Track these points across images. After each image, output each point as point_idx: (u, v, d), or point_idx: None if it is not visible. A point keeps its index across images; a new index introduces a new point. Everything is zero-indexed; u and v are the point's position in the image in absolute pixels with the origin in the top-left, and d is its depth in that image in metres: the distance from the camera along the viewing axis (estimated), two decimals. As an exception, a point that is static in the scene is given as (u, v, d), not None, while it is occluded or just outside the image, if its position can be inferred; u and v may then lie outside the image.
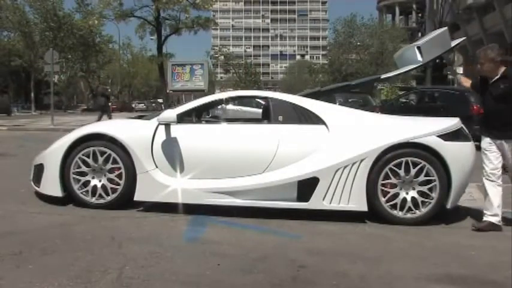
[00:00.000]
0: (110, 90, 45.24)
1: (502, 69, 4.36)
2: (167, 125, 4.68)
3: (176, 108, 4.95)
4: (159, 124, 4.70)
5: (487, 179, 4.34)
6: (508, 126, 4.25)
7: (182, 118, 4.81)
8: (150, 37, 27.29)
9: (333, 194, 4.40)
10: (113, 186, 4.68)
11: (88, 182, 4.72)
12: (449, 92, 13.54)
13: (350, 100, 11.77)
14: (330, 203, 4.42)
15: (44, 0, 36.26)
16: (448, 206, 4.45)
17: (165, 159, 4.63)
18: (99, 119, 15.44)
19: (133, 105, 50.70)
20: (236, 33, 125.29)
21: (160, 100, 42.45)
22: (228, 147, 4.64)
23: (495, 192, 4.31)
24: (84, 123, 7.23)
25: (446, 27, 5.72)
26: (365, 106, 11.12)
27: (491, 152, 4.34)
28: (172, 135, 4.67)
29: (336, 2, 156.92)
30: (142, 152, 4.59)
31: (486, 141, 4.39)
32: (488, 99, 4.44)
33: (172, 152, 4.63)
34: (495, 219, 4.28)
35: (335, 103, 10.46)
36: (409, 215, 4.41)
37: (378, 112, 10.12)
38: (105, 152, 4.66)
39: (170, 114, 4.70)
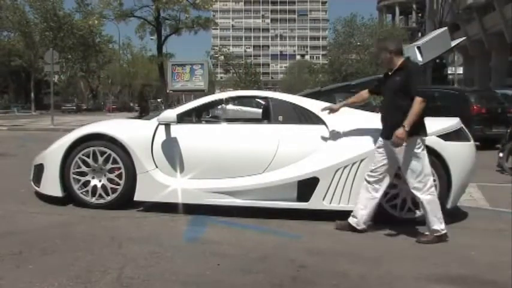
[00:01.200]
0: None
1: (401, 60, 4.03)
2: (167, 125, 4.68)
3: (176, 108, 4.95)
4: (159, 124, 4.70)
5: (364, 179, 4.14)
6: (398, 125, 3.84)
7: (182, 118, 4.81)
8: (150, 37, 27.28)
9: (333, 194, 4.40)
10: (113, 186, 4.68)
11: (88, 182, 4.72)
12: (449, 92, 13.53)
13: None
14: (330, 203, 4.42)
15: (44, 0, 36.26)
16: (448, 206, 4.44)
17: (165, 159, 4.63)
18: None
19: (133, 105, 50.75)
20: (236, 33, 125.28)
21: (159, 100, 42.48)
22: (227, 147, 4.63)
23: (363, 196, 4.11)
24: (84, 123, 7.23)
25: (446, 27, 5.72)
26: (365, 106, 11.10)
27: (379, 152, 4.09)
28: (172, 135, 4.67)
29: (336, 2, 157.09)
30: (142, 152, 4.59)
31: (379, 141, 4.15)
32: (385, 93, 4.16)
33: (172, 152, 4.63)
34: (352, 221, 4.13)
35: (335, 103, 10.45)
36: (409, 215, 4.41)
37: (378, 112, 10.11)
38: (105, 152, 4.66)
39: (170, 114, 4.70)
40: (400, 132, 3.79)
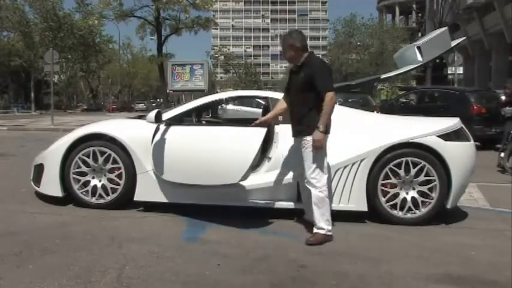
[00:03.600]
0: None
1: (305, 55, 3.93)
2: (167, 125, 4.67)
3: (174, 109, 4.97)
4: (159, 124, 4.70)
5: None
6: (303, 121, 3.83)
7: (182, 119, 4.82)
8: (150, 37, 27.29)
9: (333, 194, 4.40)
10: (113, 186, 4.68)
11: (88, 182, 4.72)
12: (449, 92, 13.55)
13: (350, 100, 11.72)
14: (330, 203, 4.41)
15: (44, 0, 36.26)
16: (448, 206, 4.44)
17: (160, 159, 4.60)
18: None
19: (133, 105, 50.76)
20: (236, 33, 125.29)
21: (159, 100, 42.49)
22: (207, 150, 4.33)
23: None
24: (84, 123, 7.24)
25: (446, 27, 5.72)
26: (365, 106, 11.10)
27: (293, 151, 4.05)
28: (172, 135, 4.56)
29: (336, 2, 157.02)
30: (142, 152, 4.58)
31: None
32: (291, 91, 4.03)
33: (163, 153, 4.58)
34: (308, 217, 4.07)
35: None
36: (409, 215, 4.41)
37: (377, 112, 10.12)
38: (105, 152, 4.66)
39: (151, 115, 4.64)
40: (316, 136, 3.74)
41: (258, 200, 4.52)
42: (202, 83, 19.93)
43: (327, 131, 3.82)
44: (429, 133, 4.45)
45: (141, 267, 3.16)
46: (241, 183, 4.39)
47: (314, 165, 3.85)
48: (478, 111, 11.53)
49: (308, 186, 3.93)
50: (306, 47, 3.97)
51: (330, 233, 3.87)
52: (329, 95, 3.73)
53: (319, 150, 3.83)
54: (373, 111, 9.48)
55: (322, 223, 3.86)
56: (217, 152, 4.25)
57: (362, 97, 12.80)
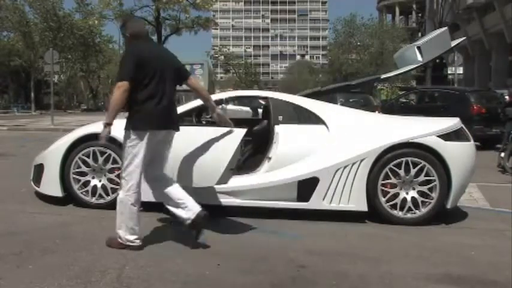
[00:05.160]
0: None
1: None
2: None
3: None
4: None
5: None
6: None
7: (181, 119, 4.82)
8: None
9: (333, 194, 4.40)
10: (113, 186, 4.68)
11: (88, 182, 4.72)
12: (449, 92, 13.56)
13: (351, 100, 11.72)
14: (330, 203, 4.42)
15: (43, 0, 36.26)
16: (448, 206, 4.44)
17: None
18: None
19: None
20: (236, 33, 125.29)
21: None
22: (189, 150, 4.11)
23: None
24: (84, 123, 7.22)
25: (446, 27, 5.73)
26: (366, 106, 11.10)
27: None
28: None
29: (336, 2, 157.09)
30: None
31: None
32: None
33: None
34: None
35: (336, 103, 10.43)
36: (409, 215, 4.41)
37: (379, 112, 10.11)
38: (105, 152, 4.66)
39: None
40: (103, 129, 3.46)
41: (258, 200, 4.52)
42: (202, 82, 19.92)
43: (133, 128, 3.49)
44: (429, 133, 4.46)
45: (141, 267, 3.16)
46: (242, 182, 4.40)
47: (125, 164, 3.53)
48: (478, 111, 11.54)
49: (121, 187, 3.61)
50: (136, 35, 3.65)
51: (132, 243, 3.48)
52: (117, 85, 3.41)
53: (127, 148, 3.49)
54: (374, 111, 9.48)
55: (121, 230, 3.50)
56: (192, 153, 4.03)
57: (363, 97, 12.79)
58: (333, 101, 10.27)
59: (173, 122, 3.72)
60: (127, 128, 3.52)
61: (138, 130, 3.48)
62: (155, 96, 3.51)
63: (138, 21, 3.97)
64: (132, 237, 3.51)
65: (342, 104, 10.23)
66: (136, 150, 3.49)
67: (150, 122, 3.50)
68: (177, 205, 3.70)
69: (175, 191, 3.72)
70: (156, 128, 3.54)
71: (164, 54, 3.77)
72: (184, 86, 4.04)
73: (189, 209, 3.66)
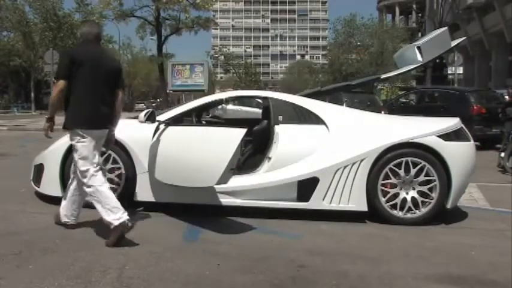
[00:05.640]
0: None
1: None
2: (166, 125, 4.67)
3: (173, 109, 4.98)
4: (159, 124, 4.70)
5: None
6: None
7: (181, 119, 4.83)
8: (150, 37, 27.33)
9: (333, 194, 4.40)
10: (113, 186, 4.67)
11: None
12: (449, 92, 13.56)
13: (356, 100, 11.65)
14: (330, 203, 4.42)
15: (43, 0, 36.25)
16: (448, 206, 4.45)
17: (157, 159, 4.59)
18: None
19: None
20: (236, 33, 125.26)
21: (159, 100, 42.40)
22: (188, 150, 4.18)
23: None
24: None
25: (446, 27, 5.73)
26: (372, 106, 11.05)
27: None
28: (161, 136, 4.41)
29: (336, 2, 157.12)
30: (142, 152, 4.58)
31: None
32: None
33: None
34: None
35: (342, 103, 10.39)
36: (409, 215, 4.41)
37: (385, 112, 10.10)
38: (105, 152, 4.65)
39: (141, 114, 4.64)
40: (44, 123, 3.79)
41: (258, 200, 4.52)
42: (202, 79, 19.88)
43: (70, 126, 3.72)
44: (429, 133, 4.46)
45: (141, 267, 3.16)
46: (242, 182, 4.40)
47: (75, 157, 3.75)
48: (478, 111, 11.54)
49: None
50: (84, 38, 3.92)
51: (118, 221, 3.58)
52: (55, 84, 3.75)
53: (73, 146, 3.73)
54: (380, 112, 9.47)
55: (108, 216, 3.62)
56: (192, 153, 4.09)
57: (369, 97, 12.75)
58: (338, 101, 10.27)
59: (105, 122, 3.86)
60: (64, 127, 3.76)
61: (74, 128, 3.72)
62: (87, 96, 3.72)
63: (89, 25, 4.12)
64: (117, 215, 3.60)
65: (348, 104, 10.22)
66: (83, 146, 3.71)
67: (83, 121, 3.71)
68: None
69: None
70: (88, 128, 3.73)
71: (104, 58, 3.91)
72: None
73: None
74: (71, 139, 3.77)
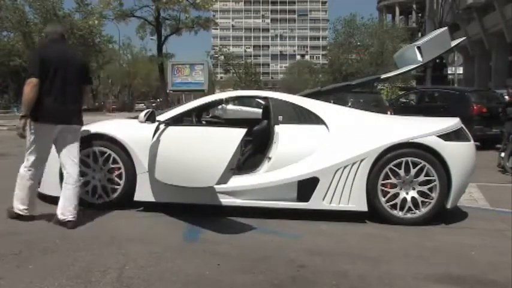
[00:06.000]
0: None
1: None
2: (166, 125, 4.67)
3: (173, 109, 4.98)
4: (159, 124, 4.70)
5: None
6: None
7: (181, 119, 4.83)
8: (150, 37, 27.33)
9: (333, 194, 4.40)
10: (113, 186, 4.68)
11: (88, 182, 4.71)
12: (449, 92, 13.56)
13: (362, 100, 11.55)
14: (330, 203, 4.42)
15: (44, 0, 36.25)
16: (448, 206, 4.45)
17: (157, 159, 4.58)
18: None
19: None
20: (236, 33, 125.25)
21: (159, 100, 42.38)
22: (188, 150, 4.18)
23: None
24: (84, 123, 7.18)
25: (446, 27, 5.72)
26: (378, 107, 10.94)
27: None
28: (160, 136, 4.40)
29: (336, 2, 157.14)
30: (142, 152, 4.57)
31: None
32: None
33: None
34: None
35: (347, 104, 10.33)
36: (409, 215, 4.41)
37: (391, 112, 10.04)
38: (105, 152, 4.66)
39: (141, 114, 4.67)
40: (18, 121, 4.00)
41: (258, 200, 4.52)
42: (202, 77, 19.82)
43: (33, 118, 3.97)
44: (429, 133, 4.46)
45: (141, 267, 3.16)
46: (242, 182, 4.39)
47: (27, 146, 4.10)
48: (478, 111, 11.54)
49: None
50: (50, 38, 4.24)
51: (21, 212, 4.13)
52: (27, 81, 3.90)
53: (30, 136, 4.03)
54: (386, 112, 9.42)
55: (15, 201, 4.17)
56: (192, 153, 4.11)
57: (374, 97, 12.63)
58: (343, 101, 10.21)
59: (71, 118, 4.13)
60: (31, 119, 3.98)
61: (37, 122, 3.99)
62: (52, 93, 3.98)
63: (53, 25, 4.59)
64: (21, 207, 4.15)
65: (353, 104, 10.17)
66: (34, 138, 4.05)
67: (47, 116, 3.98)
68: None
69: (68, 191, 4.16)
70: (52, 122, 4.01)
71: (68, 56, 4.17)
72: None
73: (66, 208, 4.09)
74: (30, 128, 4.02)
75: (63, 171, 4.20)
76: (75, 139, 4.18)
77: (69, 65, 4.08)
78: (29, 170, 4.13)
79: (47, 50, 4.14)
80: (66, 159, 4.15)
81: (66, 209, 4.07)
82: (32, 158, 4.10)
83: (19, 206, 4.15)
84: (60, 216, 4.06)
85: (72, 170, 4.15)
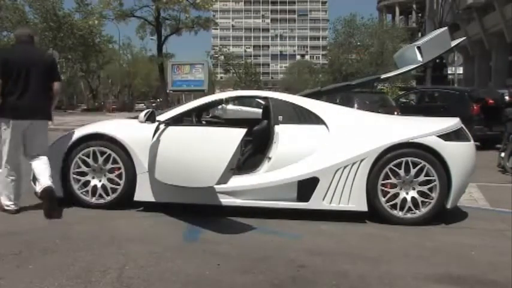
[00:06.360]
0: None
1: None
2: (166, 125, 4.67)
3: (173, 109, 4.98)
4: (159, 124, 4.70)
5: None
6: None
7: (181, 119, 4.83)
8: (150, 37, 27.32)
9: (333, 194, 4.40)
10: (113, 186, 4.68)
11: (88, 182, 4.71)
12: (449, 92, 13.57)
13: (368, 101, 11.49)
14: (330, 203, 4.42)
15: (44, 0, 36.24)
16: (448, 206, 4.45)
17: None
18: None
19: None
20: (236, 33, 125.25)
21: (159, 100, 42.37)
22: (188, 150, 4.19)
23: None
24: (84, 123, 7.21)
25: (446, 27, 5.72)
26: (385, 107, 10.89)
27: None
28: (160, 135, 4.40)
29: (336, 2, 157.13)
30: (142, 152, 4.57)
31: None
32: None
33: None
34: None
35: (353, 104, 10.29)
36: (409, 215, 4.41)
37: (397, 113, 10.02)
38: (105, 152, 4.66)
39: (141, 115, 4.68)
40: None
41: (258, 200, 4.52)
42: (202, 75, 19.77)
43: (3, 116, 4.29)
44: (429, 133, 4.46)
45: (141, 267, 3.16)
46: (242, 182, 4.39)
47: (1, 144, 4.38)
48: (478, 111, 11.54)
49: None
50: (17, 40, 4.61)
51: (8, 208, 4.39)
52: None
53: (2, 133, 4.35)
54: (393, 112, 9.39)
55: (2, 197, 4.42)
56: (192, 153, 4.11)
57: (381, 97, 12.57)
58: (349, 101, 10.18)
59: (37, 113, 4.41)
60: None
61: (4, 118, 4.30)
62: (17, 90, 4.26)
63: (21, 28, 4.99)
64: (8, 203, 4.41)
65: (358, 104, 10.14)
66: (6, 134, 4.33)
67: (13, 113, 4.27)
68: (35, 178, 4.53)
69: (37, 167, 4.43)
70: (18, 118, 4.30)
71: (33, 56, 4.45)
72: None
73: (39, 183, 4.36)
74: (1, 126, 4.34)
75: (31, 161, 4.45)
76: (43, 132, 4.49)
77: (34, 64, 4.34)
78: (6, 167, 4.37)
79: (10, 50, 4.49)
80: (37, 150, 4.44)
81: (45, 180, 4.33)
82: (6, 155, 4.34)
83: (6, 202, 4.41)
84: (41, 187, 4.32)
85: (42, 156, 4.46)
